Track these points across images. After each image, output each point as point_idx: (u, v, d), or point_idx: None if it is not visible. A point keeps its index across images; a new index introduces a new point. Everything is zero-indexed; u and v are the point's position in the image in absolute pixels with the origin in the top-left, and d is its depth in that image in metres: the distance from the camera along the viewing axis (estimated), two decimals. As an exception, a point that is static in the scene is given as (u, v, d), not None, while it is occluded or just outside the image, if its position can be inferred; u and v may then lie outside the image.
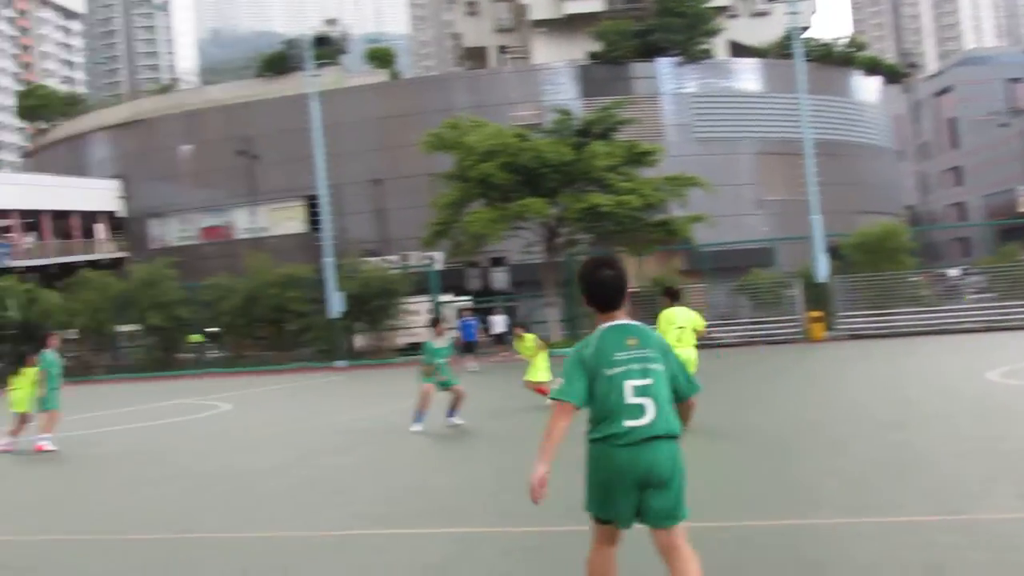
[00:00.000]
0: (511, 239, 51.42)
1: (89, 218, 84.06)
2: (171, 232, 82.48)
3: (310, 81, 55.46)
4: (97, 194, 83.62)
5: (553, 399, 5.72)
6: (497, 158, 47.06)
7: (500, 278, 65.36)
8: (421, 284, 55.91)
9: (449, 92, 76.01)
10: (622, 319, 5.84)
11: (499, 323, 48.10)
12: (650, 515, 5.62)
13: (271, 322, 54.28)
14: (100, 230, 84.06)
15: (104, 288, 58.30)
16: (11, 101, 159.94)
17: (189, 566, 8.85)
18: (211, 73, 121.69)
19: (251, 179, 68.75)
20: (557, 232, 50.22)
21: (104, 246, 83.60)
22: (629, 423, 5.54)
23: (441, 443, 16.96)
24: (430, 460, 15.00)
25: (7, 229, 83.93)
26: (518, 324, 25.52)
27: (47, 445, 18.99)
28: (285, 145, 74.82)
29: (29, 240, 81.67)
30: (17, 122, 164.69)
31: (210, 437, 20.95)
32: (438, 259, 63.32)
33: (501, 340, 48.55)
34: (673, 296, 17.02)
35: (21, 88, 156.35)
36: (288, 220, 77.74)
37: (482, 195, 48.90)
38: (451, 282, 63.58)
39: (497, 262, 65.09)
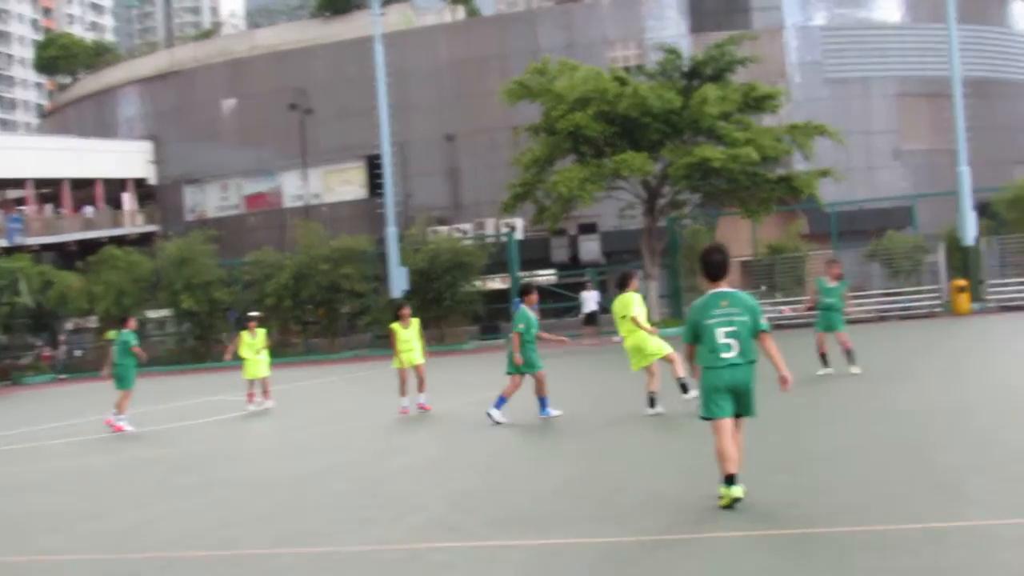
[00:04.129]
0: (605, 202, 51.22)
1: (115, 186, 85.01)
2: (209, 201, 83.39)
3: (374, 22, 55.57)
4: (125, 158, 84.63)
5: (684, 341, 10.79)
6: (591, 106, 46.87)
7: (591, 248, 65.13)
8: (499, 257, 55.96)
9: (536, 31, 75.81)
10: (722, 287, 10.56)
11: (590, 300, 47.91)
12: (740, 409, 10.37)
13: (323, 304, 54.63)
14: (128, 200, 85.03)
15: (131, 268, 59.03)
16: (29, 52, 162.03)
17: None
18: (259, 15, 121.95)
19: (303, 138, 69.15)
20: (659, 192, 49.96)
21: (132, 218, 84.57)
22: (722, 355, 10.27)
23: (511, 442, 16.94)
24: (500, 461, 14.95)
25: (20, 201, 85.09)
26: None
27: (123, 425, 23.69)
28: (343, 97, 75.31)
29: (46, 213, 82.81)
30: (35, 76, 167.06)
31: (251, 439, 21.14)
32: (519, 227, 63.34)
33: (592, 320, 48.36)
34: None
35: (40, 37, 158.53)
36: (345, 184, 78.24)
37: (572, 150, 48.83)
38: (534, 254, 63.55)
39: (588, 229, 64.88)
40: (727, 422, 10.26)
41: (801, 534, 9.01)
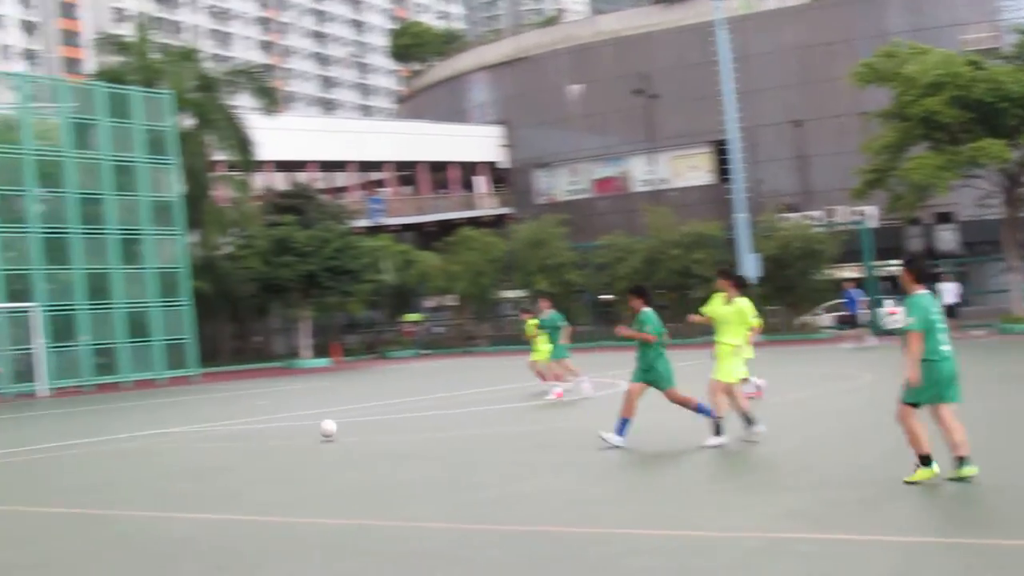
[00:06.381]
0: (962, 190, 49.82)
1: (469, 169, 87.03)
2: (559, 184, 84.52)
3: (715, 7, 55.35)
4: (477, 142, 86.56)
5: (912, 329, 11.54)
6: (944, 91, 45.55)
7: (948, 238, 63.38)
8: (851, 245, 55.00)
9: (883, 13, 74.31)
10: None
11: (950, 292, 46.73)
12: (950, 398, 11.61)
13: (674, 289, 54.52)
14: (481, 183, 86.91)
15: (486, 249, 60.49)
16: (384, 41, 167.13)
17: (603, 566, 8.85)
18: (602, 1, 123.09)
19: (649, 122, 69.47)
20: (1020, 181, 48.30)
21: (485, 201, 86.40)
22: (943, 348, 11.54)
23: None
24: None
25: (380, 183, 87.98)
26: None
27: (559, 392, 25.62)
28: (688, 82, 75.28)
29: (405, 194, 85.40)
30: (391, 64, 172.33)
31: (608, 416, 21.32)
32: (871, 215, 62.16)
33: (952, 312, 47.22)
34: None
35: (394, 26, 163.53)
36: (692, 170, 78.29)
37: (926, 136, 47.63)
38: (887, 243, 62.23)
39: (944, 218, 63.18)
40: (941, 408, 11.55)
41: None
